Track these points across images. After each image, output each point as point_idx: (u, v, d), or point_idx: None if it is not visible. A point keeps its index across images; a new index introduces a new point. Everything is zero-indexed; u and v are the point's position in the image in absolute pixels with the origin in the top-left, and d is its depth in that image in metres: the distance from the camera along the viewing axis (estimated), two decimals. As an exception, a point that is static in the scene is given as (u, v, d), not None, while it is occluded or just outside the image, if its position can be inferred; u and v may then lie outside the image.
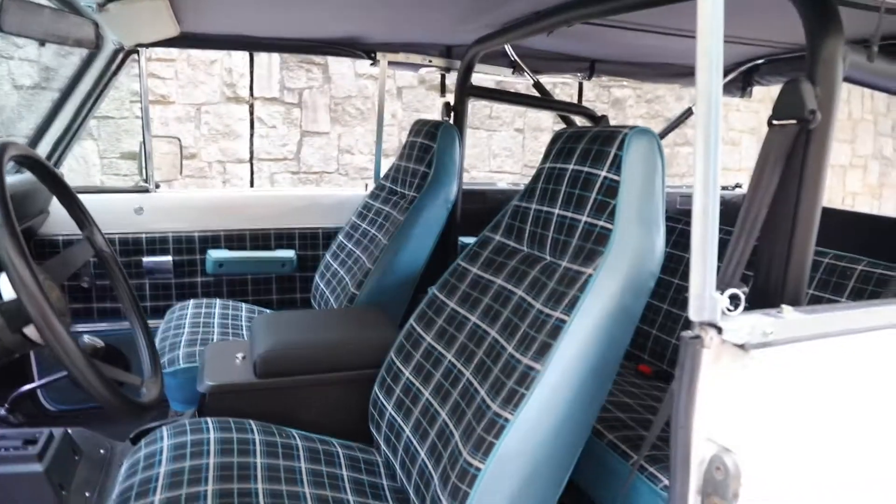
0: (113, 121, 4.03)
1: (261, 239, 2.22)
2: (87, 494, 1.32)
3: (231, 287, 2.20)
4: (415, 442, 1.08)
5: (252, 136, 4.45)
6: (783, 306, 0.81)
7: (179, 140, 2.45)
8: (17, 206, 1.14)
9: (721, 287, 0.75)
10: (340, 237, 2.07)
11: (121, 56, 1.82)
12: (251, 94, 4.37)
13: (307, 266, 2.26)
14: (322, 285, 2.00)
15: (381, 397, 1.26)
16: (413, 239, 1.75)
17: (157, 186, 2.18)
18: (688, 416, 0.78)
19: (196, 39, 1.89)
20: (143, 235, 2.09)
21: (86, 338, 1.31)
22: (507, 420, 0.89)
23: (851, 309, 0.85)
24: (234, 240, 2.18)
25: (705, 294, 0.74)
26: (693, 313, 0.74)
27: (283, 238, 2.24)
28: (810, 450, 0.78)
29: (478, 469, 0.89)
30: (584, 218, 1.02)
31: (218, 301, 2.01)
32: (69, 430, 1.39)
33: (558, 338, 0.90)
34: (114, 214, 2.04)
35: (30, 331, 0.91)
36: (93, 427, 1.52)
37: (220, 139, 4.35)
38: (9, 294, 0.92)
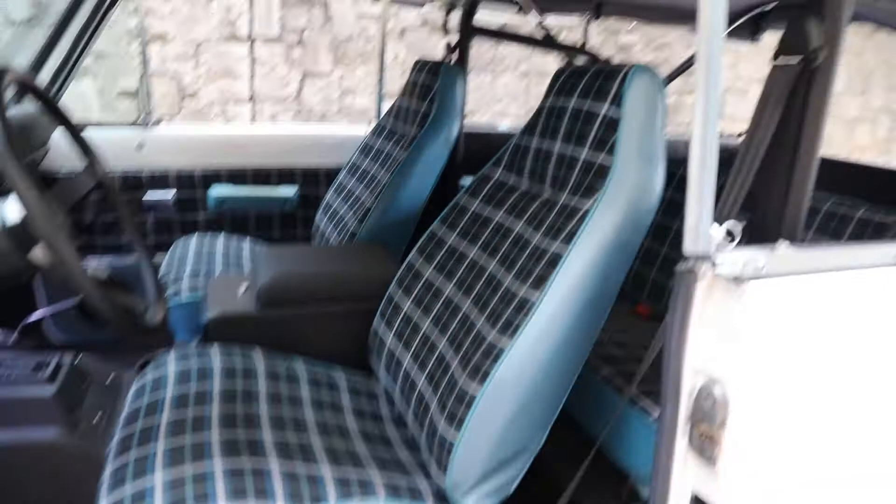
0: (111, 59, 3.97)
1: (263, 176, 2.22)
2: (96, 418, 1.37)
3: (233, 224, 2.22)
4: (414, 371, 1.12)
5: (253, 75, 4.39)
6: (779, 241, 0.82)
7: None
8: (17, 139, 1.14)
9: (718, 221, 0.77)
10: (342, 175, 2.07)
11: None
12: (251, 33, 4.28)
13: (309, 204, 2.27)
14: (323, 223, 2.01)
15: (381, 329, 1.29)
16: (414, 177, 1.75)
17: (158, 122, 2.17)
18: (679, 347, 0.81)
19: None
20: (145, 171, 2.09)
21: (90, 269, 1.33)
22: (503, 348, 0.92)
23: (845, 247, 0.87)
24: (236, 176, 2.19)
25: (700, 227, 0.75)
26: (688, 246, 0.75)
27: (285, 175, 2.24)
28: (800, 383, 0.80)
29: (474, 394, 0.92)
30: (584, 153, 1.03)
31: (221, 235, 2.03)
32: (78, 357, 1.43)
33: (556, 269, 0.92)
34: (114, 150, 2.03)
35: (37, 253, 0.93)
36: (99, 358, 1.56)
37: (220, 79, 4.29)
38: (14, 218, 0.93)
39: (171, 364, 1.21)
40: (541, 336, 0.91)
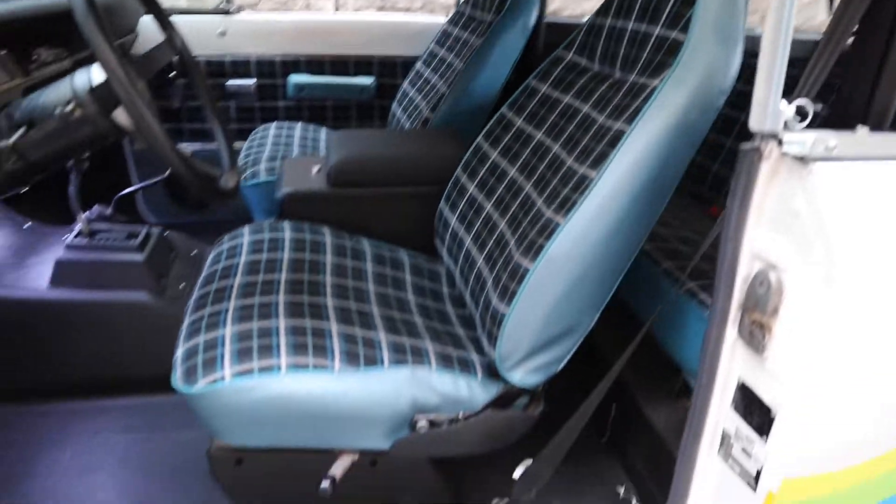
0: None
1: (341, 65, 2.22)
2: (181, 285, 1.49)
3: (311, 112, 2.26)
4: (474, 251, 1.14)
5: None
6: (859, 126, 0.76)
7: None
8: (104, 18, 1.19)
9: (790, 99, 0.72)
10: (418, 64, 2.05)
11: None
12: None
13: (385, 94, 2.27)
14: (398, 112, 2.02)
15: (445, 211, 1.31)
16: (489, 65, 1.71)
17: (240, 9, 2.19)
18: (738, 229, 0.78)
19: None
20: (227, 59, 2.15)
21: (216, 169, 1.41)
22: (558, 224, 0.92)
23: None
24: (315, 65, 2.20)
25: (770, 102, 0.70)
26: (754, 122, 0.71)
27: (362, 65, 2.24)
28: (863, 279, 0.76)
29: (527, 269, 0.94)
30: (657, 30, 0.97)
31: (299, 124, 2.08)
32: (165, 231, 1.55)
33: (616, 147, 0.89)
34: (198, 37, 2.09)
35: (119, 115, 0.99)
36: (184, 235, 1.68)
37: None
38: (98, 80, 0.99)
39: (245, 236, 1.29)
40: (596, 215, 0.90)
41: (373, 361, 0.98)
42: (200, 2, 2.37)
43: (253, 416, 0.93)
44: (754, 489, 0.83)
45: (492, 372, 1.03)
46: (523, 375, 0.99)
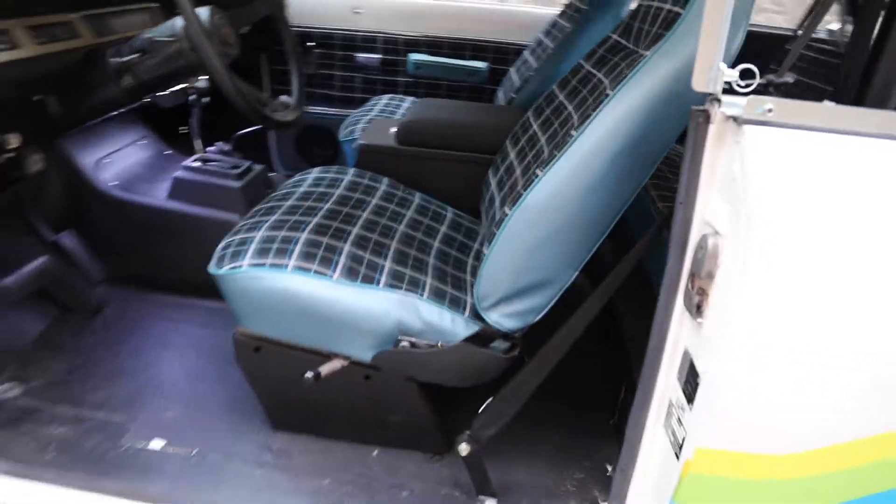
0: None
1: (458, 48, 2.38)
2: None
3: (427, 89, 2.44)
4: (500, 212, 1.24)
5: None
6: (826, 101, 0.76)
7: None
8: None
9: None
10: (525, 52, 2.15)
11: None
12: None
13: (497, 79, 2.39)
14: (499, 94, 2.14)
15: (489, 176, 1.41)
16: (576, 50, 1.77)
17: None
18: (689, 194, 0.81)
19: None
20: (358, 35, 2.39)
21: (282, 98, 1.64)
22: (536, 175, 0.99)
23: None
24: (434, 46, 2.38)
25: (711, 64, 0.73)
26: (696, 83, 0.75)
27: (478, 49, 2.38)
28: (794, 248, 0.75)
29: (505, 214, 1.02)
30: (667, 5, 1.00)
31: (409, 98, 2.27)
32: (264, 170, 1.80)
33: (598, 108, 0.95)
34: (334, 13, 2.35)
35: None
36: (284, 176, 1.92)
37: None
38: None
39: (314, 173, 1.49)
40: (573, 172, 0.96)
41: (370, 280, 1.11)
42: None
43: (261, 303, 1.11)
44: (677, 458, 0.85)
45: (476, 315, 1.12)
46: (499, 318, 1.07)
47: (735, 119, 0.73)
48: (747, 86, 0.74)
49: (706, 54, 0.74)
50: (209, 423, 1.34)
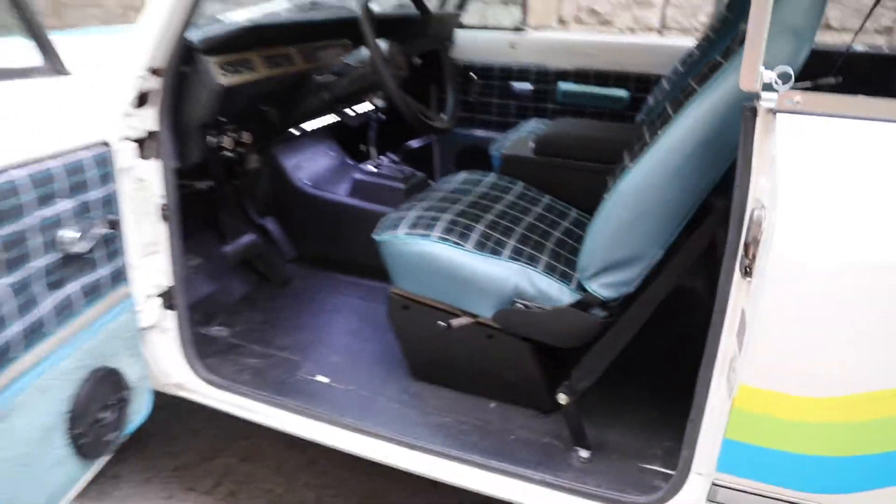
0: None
1: (603, 78, 2.61)
2: None
3: (573, 115, 2.69)
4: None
5: (665, 4, 4.60)
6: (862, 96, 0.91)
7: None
8: (431, 27, 1.85)
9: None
10: (663, 80, 2.32)
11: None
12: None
13: (637, 107, 2.57)
14: (637, 119, 2.33)
15: (609, 183, 1.62)
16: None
17: (526, 29, 2.75)
18: (743, 177, 0.99)
19: None
20: (513, 66, 2.71)
21: (444, 116, 1.99)
22: (628, 168, 1.21)
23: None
24: (581, 76, 2.63)
25: (755, 68, 0.92)
26: (743, 83, 0.93)
27: (620, 79, 2.59)
28: (822, 222, 0.88)
29: (603, 199, 1.24)
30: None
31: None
32: (428, 179, 2.15)
33: (678, 113, 1.14)
34: (494, 47, 2.69)
35: None
36: None
37: (635, 7, 4.63)
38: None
39: (462, 175, 1.80)
40: (655, 166, 1.15)
41: (496, 253, 1.38)
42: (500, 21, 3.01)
43: (409, 264, 1.42)
44: (729, 397, 1.01)
45: (581, 288, 1.33)
46: (597, 287, 1.28)
47: (772, 111, 0.91)
48: (784, 84, 0.91)
49: (750, 59, 0.92)
50: (363, 369, 1.67)
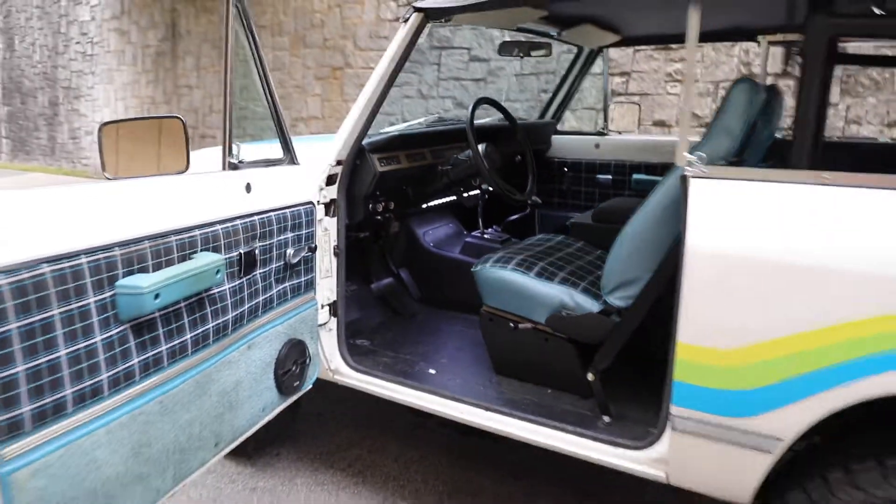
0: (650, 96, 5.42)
1: (666, 167, 3.22)
2: None
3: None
4: None
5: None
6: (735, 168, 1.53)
7: (639, 105, 3.63)
8: (523, 134, 2.67)
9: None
10: None
11: (585, 54, 3.17)
12: (764, 72, 5.04)
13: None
14: None
15: None
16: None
17: (608, 133, 3.46)
18: (682, 230, 1.61)
19: (635, 39, 3.05)
20: (597, 161, 3.41)
21: (523, 194, 2.74)
22: (629, 220, 1.85)
23: (767, 169, 1.47)
24: (652, 168, 3.27)
25: (682, 148, 1.57)
26: (677, 159, 1.58)
27: None
28: (732, 236, 1.49)
29: (615, 241, 1.88)
30: None
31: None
32: (509, 240, 2.87)
33: (658, 185, 1.78)
34: (582, 147, 3.43)
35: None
36: None
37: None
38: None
39: (539, 235, 2.50)
40: (642, 219, 1.79)
41: (550, 279, 2.05)
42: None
43: (493, 286, 2.12)
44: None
45: (604, 300, 1.95)
46: (614, 299, 1.90)
47: (691, 177, 1.54)
48: (699, 160, 1.54)
49: (681, 147, 1.58)
50: (461, 367, 2.35)
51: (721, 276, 1.49)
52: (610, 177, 3.40)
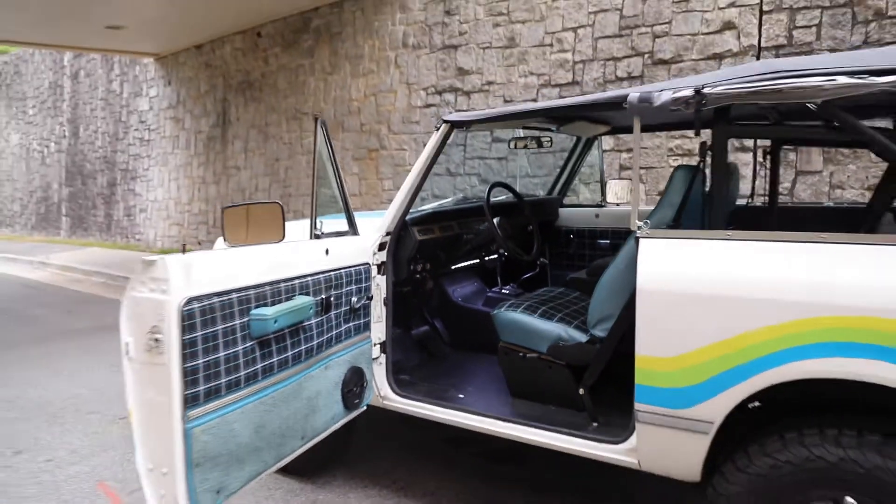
0: (657, 170, 6.11)
1: None
2: None
3: None
4: None
5: (754, 176, 5.77)
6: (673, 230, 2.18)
7: (629, 181, 4.32)
8: (531, 208, 3.38)
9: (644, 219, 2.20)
10: None
11: (583, 141, 3.90)
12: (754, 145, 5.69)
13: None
14: None
15: None
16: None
17: (605, 205, 4.13)
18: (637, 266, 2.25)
19: (620, 129, 3.77)
20: (597, 229, 4.08)
21: (530, 255, 3.40)
22: (606, 271, 2.49)
23: (698, 231, 2.11)
24: None
25: (636, 219, 2.22)
26: (632, 225, 2.23)
27: None
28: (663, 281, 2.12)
29: (595, 288, 2.51)
30: None
31: None
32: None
33: (617, 253, 2.43)
34: (584, 217, 4.11)
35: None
36: None
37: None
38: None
39: (544, 288, 3.14)
40: (613, 270, 2.42)
41: (550, 318, 2.68)
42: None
43: (506, 325, 2.75)
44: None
45: (589, 332, 2.56)
46: (596, 331, 2.51)
47: (640, 237, 2.19)
48: (645, 225, 2.19)
49: (633, 213, 2.23)
50: (484, 394, 2.95)
51: (661, 305, 2.11)
52: (608, 241, 4.05)
